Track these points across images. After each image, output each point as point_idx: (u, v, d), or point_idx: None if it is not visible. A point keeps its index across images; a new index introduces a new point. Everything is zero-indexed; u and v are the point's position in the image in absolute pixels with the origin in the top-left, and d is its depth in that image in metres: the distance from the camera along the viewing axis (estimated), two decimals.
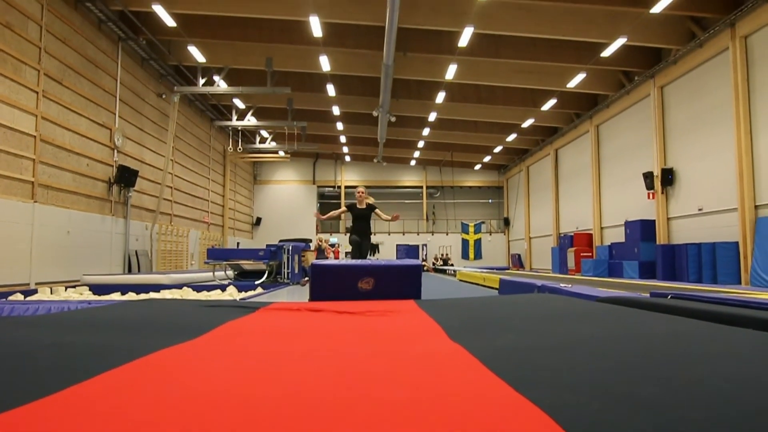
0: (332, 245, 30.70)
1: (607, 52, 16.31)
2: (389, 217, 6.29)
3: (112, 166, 16.07)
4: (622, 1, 14.21)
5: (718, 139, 14.98)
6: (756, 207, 13.45)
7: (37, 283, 11.88)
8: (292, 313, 3.53)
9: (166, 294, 9.67)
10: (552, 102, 21.41)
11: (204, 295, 9.47)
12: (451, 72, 18.49)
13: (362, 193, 6.15)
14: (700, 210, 15.81)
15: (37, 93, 12.61)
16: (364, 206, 6.23)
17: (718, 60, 14.92)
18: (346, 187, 37.06)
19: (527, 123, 24.55)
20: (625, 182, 20.11)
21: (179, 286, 11.07)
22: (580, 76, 18.56)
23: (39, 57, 12.71)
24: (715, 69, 15.10)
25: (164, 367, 1.71)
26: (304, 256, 14.88)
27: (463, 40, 15.84)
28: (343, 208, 6.13)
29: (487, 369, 1.61)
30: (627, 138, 20.30)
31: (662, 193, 17.41)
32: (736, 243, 13.94)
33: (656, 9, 13.57)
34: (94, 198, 15.15)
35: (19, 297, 8.67)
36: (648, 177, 17.95)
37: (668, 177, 17.08)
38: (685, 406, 1.16)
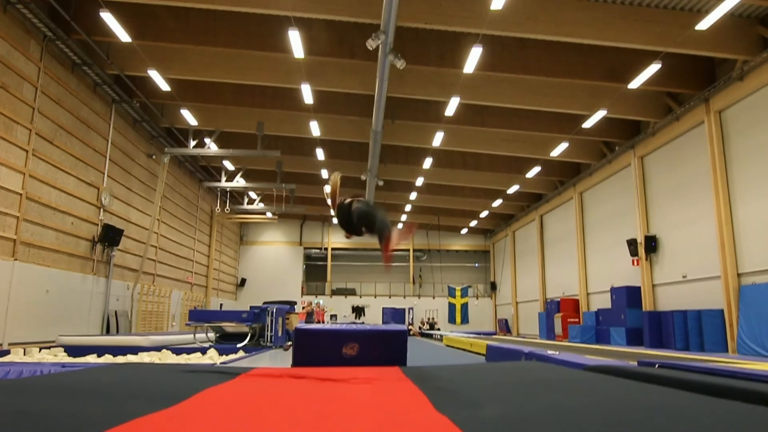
0: (320, 307, 30.32)
1: (588, 124, 16.91)
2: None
3: (98, 224, 15.95)
4: (601, 76, 14.88)
5: (698, 208, 15.32)
6: (739, 275, 13.59)
7: (10, 344, 11.46)
8: (273, 381, 3.43)
9: (144, 357, 9.37)
10: (536, 169, 21.92)
11: (184, 359, 9.19)
12: (438, 139, 18.96)
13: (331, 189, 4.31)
14: (684, 277, 15.93)
15: (26, 151, 12.67)
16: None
17: (695, 132, 15.50)
18: (333, 249, 36.98)
19: (512, 189, 25.01)
20: (610, 248, 20.32)
21: (158, 349, 10.73)
22: (563, 146, 19.11)
23: (32, 117, 12.87)
24: (692, 141, 15.66)
25: None
26: (288, 318, 14.62)
27: (450, 110, 16.36)
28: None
29: None
30: (610, 205, 20.70)
31: (646, 259, 17.58)
32: (721, 311, 13.97)
33: (633, 84, 14.21)
34: (77, 256, 14.93)
35: None
36: (632, 244, 18.18)
37: (652, 244, 17.30)
38: None
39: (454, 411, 2.11)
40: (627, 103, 16.29)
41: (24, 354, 9.25)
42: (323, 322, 27.61)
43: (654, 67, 13.34)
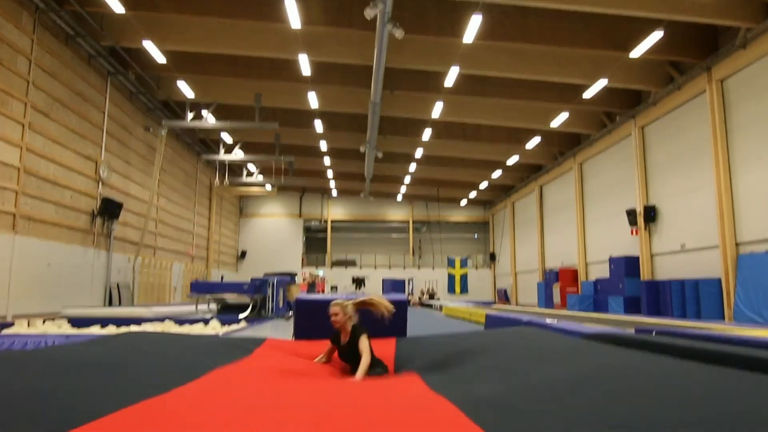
0: (320, 279, 30.53)
1: (588, 94, 16.75)
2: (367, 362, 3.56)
3: (97, 198, 15.94)
4: (603, 44, 14.68)
5: (698, 178, 15.31)
6: (737, 244, 13.67)
7: (14, 316, 11.59)
8: (275, 358, 3.48)
9: (147, 327, 9.47)
10: (536, 140, 21.81)
11: (186, 329, 9.29)
12: (437, 110, 18.81)
13: (338, 314, 3.74)
14: (682, 246, 16.02)
15: (22, 125, 12.57)
16: (348, 336, 3.72)
17: (696, 102, 15.38)
18: (332, 221, 37.05)
19: (512, 160, 24.92)
20: (609, 218, 20.37)
21: (161, 320, 10.85)
22: (563, 116, 18.98)
23: (27, 90, 12.72)
24: (693, 110, 15.55)
25: (152, 419, 1.65)
26: (289, 289, 14.74)
27: (449, 80, 16.18)
28: (330, 347, 3.44)
29: (468, 419, 1.59)
30: (610, 175, 20.67)
31: (645, 229, 17.65)
32: (719, 279, 14.10)
33: (635, 53, 14.03)
34: (77, 230, 14.96)
35: None
36: (631, 214, 18.22)
37: (650, 214, 17.34)
38: None
39: (450, 387, 2.14)
40: (628, 73, 16.11)
41: (28, 326, 9.35)
42: (324, 294, 27.80)
43: (656, 35, 13.15)
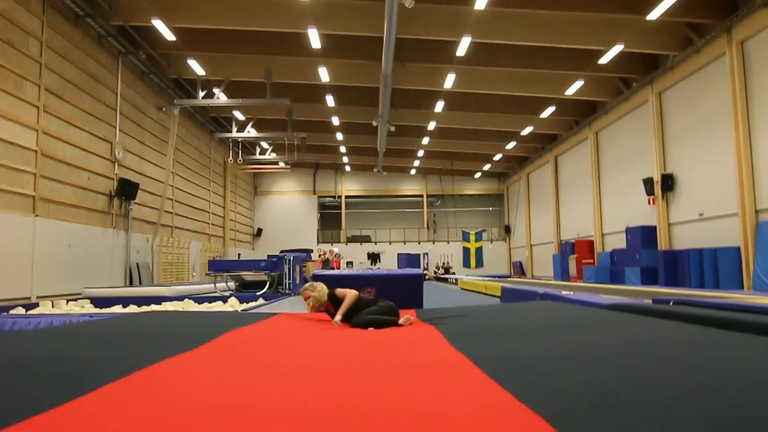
0: (336, 255, 30.74)
1: (604, 59, 16.37)
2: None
3: (113, 179, 16.10)
4: (619, 8, 14.28)
5: (717, 144, 14.99)
6: (757, 212, 13.44)
7: (38, 297, 11.87)
8: (296, 323, 3.52)
9: (167, 306, 9.65)
10: (551, 109, 21.46)
11: (206, 307, 9.45)
12: (449, 81, 18.55)
13: (309, 298, 4.03)
14: (701, 215, 15.80)
15: (37, 108, 12.66)
16: (332, 307, 3.92)
17: (715, 65, 14.97)
18: (346, 196, 37.09)
19: (526, 131, 24.60)
20: (626, 188, 20.11)
21: (181, 298, 11.04)
22: (579, 84, 18.61)
23: (40, 72, 12.78)
24: (712, 74, 15.14)
25: (166, 379, 1.71)
26: (305, 266, 14.87)
27: (461, 50, 15.91)
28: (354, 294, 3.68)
29: (489, 377, 1.61)
30: (626, 144, 20.33)
31: (663, 198, 17.41)
32: (738, 248, 13.91)
33: (652, 16, 13.62)
34: (95, 211, 15.17)
35: (21, 311, 8.65)
36: (648, 183, 17.95)
37: (668, 183, 17.08)
38: (690, 412, 1.16)
39: (470, 348, 2.16)
40: (645, 37, 15.69)
41: (52, 306, 9.58)
42: (339, 269, 28.03)
43: None
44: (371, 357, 2.18)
